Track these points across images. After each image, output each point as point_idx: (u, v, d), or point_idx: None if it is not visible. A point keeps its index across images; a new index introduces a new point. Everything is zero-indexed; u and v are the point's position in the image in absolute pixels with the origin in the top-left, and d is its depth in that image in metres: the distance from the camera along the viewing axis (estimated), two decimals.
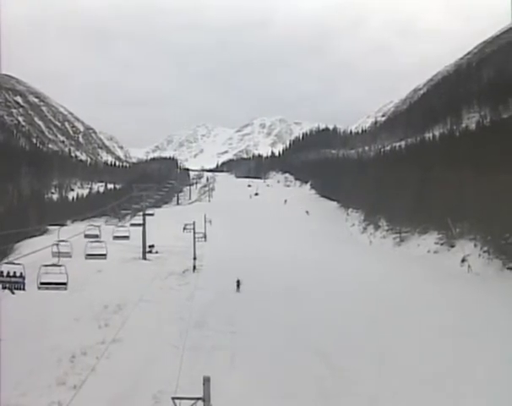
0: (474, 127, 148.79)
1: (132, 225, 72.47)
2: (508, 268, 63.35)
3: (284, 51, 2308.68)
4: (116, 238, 59.19)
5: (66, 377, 30.17)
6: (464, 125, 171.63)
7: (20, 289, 29.86)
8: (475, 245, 74.11)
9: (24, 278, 29.86)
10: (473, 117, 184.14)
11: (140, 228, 75.71)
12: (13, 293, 30.00)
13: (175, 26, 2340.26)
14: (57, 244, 42.58)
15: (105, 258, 46.23)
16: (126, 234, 59.66)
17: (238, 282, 55.41)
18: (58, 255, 41.10)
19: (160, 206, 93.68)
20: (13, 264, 30.24)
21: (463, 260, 72.98)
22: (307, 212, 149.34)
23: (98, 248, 45.59)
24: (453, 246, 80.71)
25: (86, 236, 54.05)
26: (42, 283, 30.66)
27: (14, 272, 30.42)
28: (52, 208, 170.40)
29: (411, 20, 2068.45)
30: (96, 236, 54.92)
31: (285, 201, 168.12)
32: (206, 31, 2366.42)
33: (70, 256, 43.63)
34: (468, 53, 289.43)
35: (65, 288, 30.61)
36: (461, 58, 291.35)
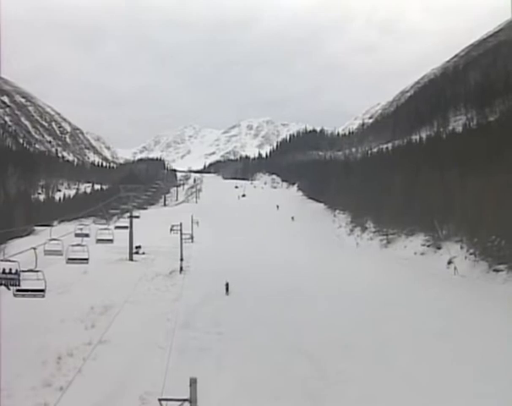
0: (460, 129, 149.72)
1: (116, 228, 71.40)
2: (494, 270, 63.57)
3: (269, 50, 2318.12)
4: (99, 241, 57.63)
5: (52, 379, 30.02)
6: (450, 128, 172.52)
7: (15, 286, 29.65)
8: (461, 247, 74.40)
9: (19, 275, 29.71)
10: (460, 119, 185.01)
11: (125, 230, 75.18)
12: (8, 289, 29.79)
13: (159, 24, 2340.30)
14: (51, 242, 42.92)
15: (87, 262, 44.80)
16: (109, 237, 57.61)
17: (227, 285, 54.86)
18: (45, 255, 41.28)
19: (146, 208, 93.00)
20: (9, 261, 30.04)
21: (449, 262, 73.24)
22: (292, 218, 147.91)
23: (80, 252, 44.01)
24: (439, 248, 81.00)
25: (77, 235, 54.29)
26: (18, 290, 29.79)
27: (10, 269, 30.32)
28: (39, 208, 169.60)
29: (395, 20, 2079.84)
30: (87, 235, 55.13)
31: (278, 207, 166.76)
32: (190, 30, 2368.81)
33: (62, 254, 43.86)
34: (455, 56, 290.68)
35: (43, 296, 29.80)
36: (448, 61, 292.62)
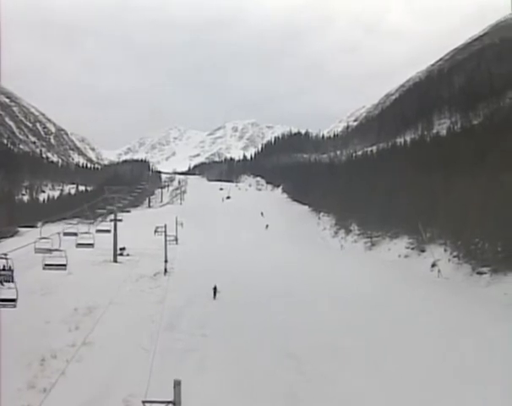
0: (445, 133, 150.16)
1: (98, 231, 69.70)
2: (477, 273, 63.89)
3: (252, 51, 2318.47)
4: (79, 245, 56.38)
5: (36, 380, 29.91)
6: (435, 131, 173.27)
7: (9, 282, 29.50)
8: (445, 250, 74.77)
9: (12, 271, 29.61)
10: (444, 123, 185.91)
11: (108, 233, 74.19)
12: (2, 285, 29.64)
13: (141, 24, 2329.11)
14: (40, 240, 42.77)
15: (64, 269, 42.96)
16: (90, 242, 55.99)
17: (215, 288, 54.28)
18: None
19: (129, 211, 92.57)
20: (2, 258, 29.94)
21: (433, 265, 73.58)
22: (266, 226, 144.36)
23: (57, 257, 42.07)
24: (423, 251, 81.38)
25: (65, 234, 54.27)
26: None
27: (4, 266, 30.24)
28: (23, 210, 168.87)
29: (378, 21, 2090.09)
30: (75, 234, 55.00)
31: (262, 214, 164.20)
32: (172, 30, 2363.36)
33: (50, 253, 43.62)
34: (440, 59, 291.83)
35: (14, 306, 29.30)
36: (433, 65, 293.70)
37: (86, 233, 57.43)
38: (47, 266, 42.61)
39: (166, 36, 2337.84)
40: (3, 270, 30.31)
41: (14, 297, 28.37)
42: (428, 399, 29.11)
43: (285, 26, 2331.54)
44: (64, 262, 41.46)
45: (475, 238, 68.64)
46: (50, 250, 44.08)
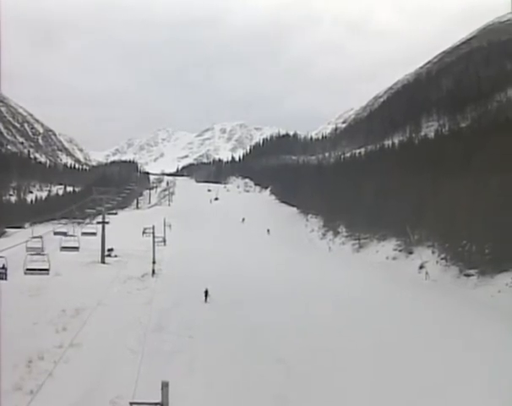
0: (433, 135, 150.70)
1: (83, 234, 69.16)
2: (465, 275, 64.16)
3: (236, 52, 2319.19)
4: (64, 249, 55.65)
5: (22, 382, 29.79)
6: (423, 133, 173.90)
7: (3, 279, 29.61)
8: (433, 252, 75.04)
9: (6, 269, 29.72)
10: (432, 125, 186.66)
11: (93, 236, 73.41)
12: None
13: (126, 24, 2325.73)
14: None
15: (47, 273, 41.46)
16: (75, 245, 55.45)
17: (206, 292, 53.79)
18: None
19: (116, 213, 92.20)
20: None
21: (421, 267, 73.79)
22: (268, 231, 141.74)
23: (40, 262, 40.46)
24: (411, 253, 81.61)
25: (56, 233, 54.07)
26: None
27: None
28: (11, 210, 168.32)
29: (363, 21, 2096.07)
30: (65, 233, 54.66)
31: (243, 220, 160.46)
32: (156, 29, 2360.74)
33: (43, 251, 43.34)
34: (428, 62, 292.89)
35: None
36: (421, 67, 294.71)
37: (71, 235, 56.51)
38: (29, 270, 40.76)
39: (151, 36, 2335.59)
40: None
41: None
42: (414, 399, 29.23)
43: (270, 27, 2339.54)
44: (47, 266, 40.00)
45: (462, 240, 68.92)
46: (42, 249, 43.90)
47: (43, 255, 40.58)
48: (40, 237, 44.55)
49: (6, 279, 29.90)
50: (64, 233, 57.59)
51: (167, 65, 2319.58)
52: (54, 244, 58.24)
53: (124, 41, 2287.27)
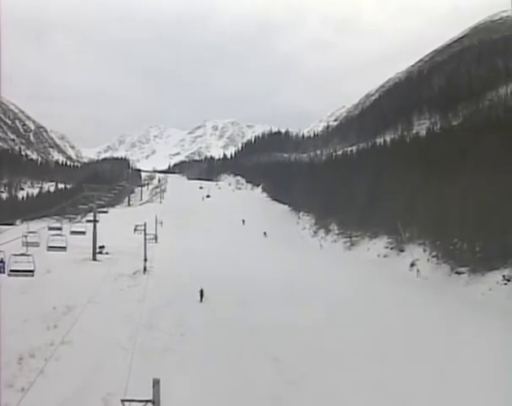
0: (424, 133, 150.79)
1: (72, 233, 67.73)
2: (456, 273, 64.33)
3: (226, 49, 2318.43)
4: (50, 248, 53.09)
5: (14, 380, 29.76)
6: (414, 131, 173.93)
7: (1, 272, 29.71)
8: (424, 250, 75.23)
9: (4, 263, 29.79)
10: (423, 123, 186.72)
11: (82, 235, 72.40)
12: None
13: (114, 21, 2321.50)
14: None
15: (32, 275, 38.46)
16: (62, 245, 53.08)
17: (202, 291, 53.11)
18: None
19: (106, 212, 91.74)
20: None
21: (412, 265, 73.98)
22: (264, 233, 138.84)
23: (24, 263, 37.83)
24: (402, 251, 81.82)
25: (50, 228, 53.80)
26: None
27: None
28: (1, 207, 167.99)
29: (351, 18, 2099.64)
30: (60, 228, 54.37)
31: (244, 222, 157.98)
32: (144, 27, 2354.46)
33: (38, 246, 43.20)
34: (419, 61, 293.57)
35: None
36: (413, 66, 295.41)
37: (60, 235, 55.35)
38: (13, 272, 37.78)
39: (138, 34, 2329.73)
40: None
41: None
42: (407, 397, 29.30)
43: (259, 24, 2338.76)
44: (32, 268, 37.60)
45: (453, 238, 69.11)
46: (38, 244, 43.89)
47: (28, 255, 38.28)
48: (35, 232, 44.46)
49: (4, 273, 29.99)
50: (59, 228, 57.35)
51: (156, 63, 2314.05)
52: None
53: (112, 38, 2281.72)
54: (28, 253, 39.31)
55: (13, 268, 37.56)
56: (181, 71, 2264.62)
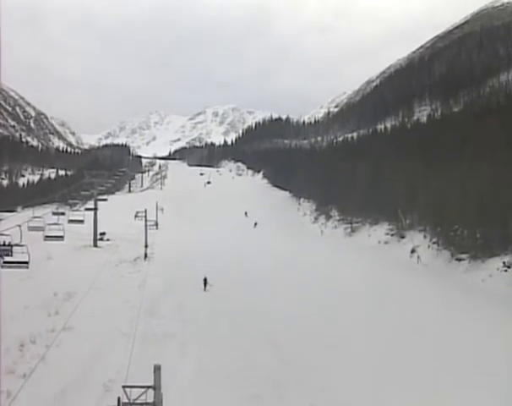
0: (425, 120, 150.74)
1: (70, 221, 64.97)
2: (456, 259, 64.34)
3: (224, 33, 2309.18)
4: (47, 238, 50.50)
5: (15, 366, 29.79)
6: (415, 118, 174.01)
7: (8, 255, 29.81)
8: (424, 236, 75.23)
9: (11, 247, 29.90)
10: (424, 110, 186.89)
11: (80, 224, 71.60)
12: (2, 258, 29.98)
13: (110, 4, 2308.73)
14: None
15: (27, 267, 35.22)
16: (60, 234, 54.73)
17: (205, 280, 52.51)
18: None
19: (105, 200, 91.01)
20: (2, 235, 30.11)
21: (412, 251, 73.99)
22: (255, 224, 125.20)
23: (19, 253, 34.73)
24: (403, 237, 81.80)
25: (54, 213, 53.90)
26: None
27: (4, 242, 30.59)
28: (2, 194, 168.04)
29: (351, 2, 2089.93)
30: (63, 213, 54.44)
31: (246, 214, 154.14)
32: (136, 10, 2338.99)
33: (43, 230, 43.25)
34: (420, 47, 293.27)
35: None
36: (414, 52, 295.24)
37: (55, 224, 54.65)
38: (6, 263, 34.91)
39: (132, 17, 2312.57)
40: (4, 245, 30.81)
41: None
42: (406, 385, 29.37)
43: (257, 8, 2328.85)
44: (26, 259, 34.42)
45: (454, 224, 69.05)
46: (43, 228, 44.01)
47: (22, 245, 34.96)
48: (40, 217, 44.52)
49: (11, 256, 30.13)
50: (63, 213, 57.50)
51: (155, 49, 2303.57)
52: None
53: (105, 22, 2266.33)
54: (22, 243, 38.61)
55: (6, 260, 36.16)
56: (179, 57, 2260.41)
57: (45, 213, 47.87)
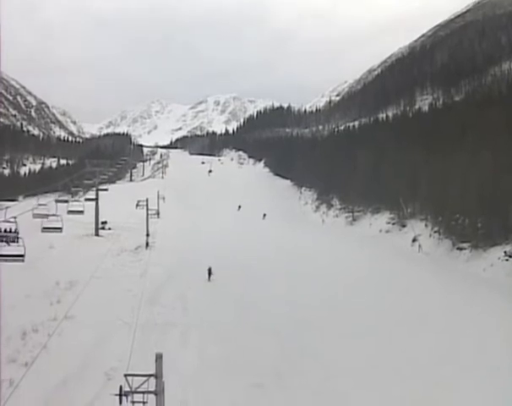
0: (427, 109, 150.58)
1: (69, 212, 67.18)
2: (457, 248, 64.37)
3: (221, 21, 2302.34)
4: (45, 229, 50.25)
5: (17, 355, 29.90)
6: (417, 107, 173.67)
7: (14, 242, 29.86)
8: (426, 225, 75.30)
9: (18, 233, 30.02)
10: (426, 99, 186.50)
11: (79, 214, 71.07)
12: (8, 244, 30.08)
13: None
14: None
15: (22, 260, 33.32)
16: (58, 226, 49.73)
17: (210, 270, 51.96)
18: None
19: (106, 190, 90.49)
20: (8, 222, 30.17)
21: (414, 240, 74.05)
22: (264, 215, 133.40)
23: (14, 246, 33.19)
24: (404, 226, 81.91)
25: (57, 201, 53.92)
26: None
27: (10, 228, 30.67)
28: (3, 183, 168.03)
29: None
30: (66, 201, 54.44)
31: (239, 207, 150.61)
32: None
33: (47, 217, 43.38)
34: (422, 36, 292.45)
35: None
36: (415, 41, 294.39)
37: (54, 215, 54.33)
38: (1, 257, 33.53)
39: (131, 3, 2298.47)
40: (10, 232, 30.88)
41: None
42: (408, 374, 29.44)
43: None
44: (22, 252, 32.72)
45: (455, 213, 69.07)
46: (47, 215, 44.17)
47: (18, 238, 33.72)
48: (45, 204, 44.79)
49: (17, 242, 30.14)
50: (66, 201, 57.55)
51: (152, 37, 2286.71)
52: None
53: (106, 10, 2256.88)
54: (19, 236, 38.07)
55: (1, 253, 35.29)
56: (180, 45, 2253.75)
57: (49, 201, 47.98)
